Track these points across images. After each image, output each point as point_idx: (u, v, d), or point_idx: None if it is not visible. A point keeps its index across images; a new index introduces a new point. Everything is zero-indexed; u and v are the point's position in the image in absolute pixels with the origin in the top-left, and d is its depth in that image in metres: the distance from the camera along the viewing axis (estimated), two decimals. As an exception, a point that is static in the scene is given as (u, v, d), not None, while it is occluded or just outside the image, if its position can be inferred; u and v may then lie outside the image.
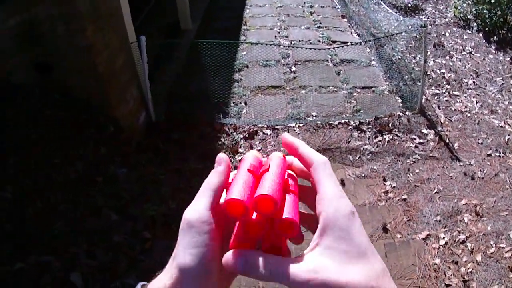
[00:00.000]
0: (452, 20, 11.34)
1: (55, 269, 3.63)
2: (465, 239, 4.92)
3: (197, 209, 0.65)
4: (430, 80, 8.28)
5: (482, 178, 5.85)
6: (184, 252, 0.63)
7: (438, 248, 4.79)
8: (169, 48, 8.32)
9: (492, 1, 10.31)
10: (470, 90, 8.05)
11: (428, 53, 9.18)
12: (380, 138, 6.59)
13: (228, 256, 0.63)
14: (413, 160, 6.16)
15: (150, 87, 6.42)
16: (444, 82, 8.25)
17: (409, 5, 12.40)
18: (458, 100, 7.70)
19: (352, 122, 6.88)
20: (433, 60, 9.09)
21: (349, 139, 6.56)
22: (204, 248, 0.63)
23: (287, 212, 0.63)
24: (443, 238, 4.90)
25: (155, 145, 6.11)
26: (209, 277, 0.63)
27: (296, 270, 0.58)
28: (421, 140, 6.58)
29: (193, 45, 8.68)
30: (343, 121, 6.90)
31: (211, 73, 7.37)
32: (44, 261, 3.64)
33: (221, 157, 0.73)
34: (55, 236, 3.91)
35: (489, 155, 6.33)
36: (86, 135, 5.13)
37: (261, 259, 0.61)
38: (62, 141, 4.82)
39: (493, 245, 4.85)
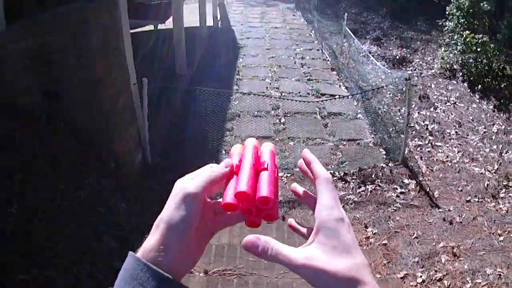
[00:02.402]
0: (438, 71, 12.12)
1: (58, 285, 3.96)
2: (442, 277, 5.34)
3: (197, 186, 0.83)
4: (414, 132, 8.94)
5: (460, 222, 6.34)
6: (176, 212, 0.80)
7: (416, 285, 5.23)
8: (165, 91, 8.79)
9: (479, 50, 11.01)
10: (452, 140, 8.72)
11: (413, 105, 9.89)
12: (363, 188, 7.14)
13: (250, 239, 0.78)
14: (394, 208, 6.69)
15: (147, 129, 6.86)
16: (427, 134, 8.93)
17: (397, 57, 13.17)
18: (440, 151, 8.35)
19: (337, 173, 7.44)
20: (418, 112, 9.79)
21: (334, 189, 7.02)
22: (193, 213, 0.80)
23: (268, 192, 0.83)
24: (420, 276, 5.35)
25: (151, 185, 6.52)
26: (190, 234, 0.81)
27: (294, 256, 0.75)
28: (403, 190, 7.14)
29: (189, 91, 9.36)
30: (328, 172, 7.33)
31: (205, 119, 7.98)
32: (47, 276, 3.95)
33: (229, 162, 0.92)
34: (59, 254, 4.22)
35: (468, 201, 6.88)
36: (89, 166, 5.49)
37: (272, 245, 0.77)
38: (67, 168, 5.16)
39: (469, 281, 5.26)
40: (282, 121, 9.18)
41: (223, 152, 7.94)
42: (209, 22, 15.79)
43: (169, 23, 12.54)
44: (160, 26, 13.90)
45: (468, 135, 8.93)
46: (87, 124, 5.65)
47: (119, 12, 6.07)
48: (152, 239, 0.80)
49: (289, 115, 9.42)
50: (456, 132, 9.04)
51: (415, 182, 7.37)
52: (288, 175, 7.43)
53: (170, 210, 0.82)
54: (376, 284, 0.75)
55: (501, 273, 5.41)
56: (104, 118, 5.79)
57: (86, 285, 4.18)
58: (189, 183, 0.85)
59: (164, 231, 0.80)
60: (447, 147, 8.52)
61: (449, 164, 7.94)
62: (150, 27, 13.87)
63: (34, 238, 4.22)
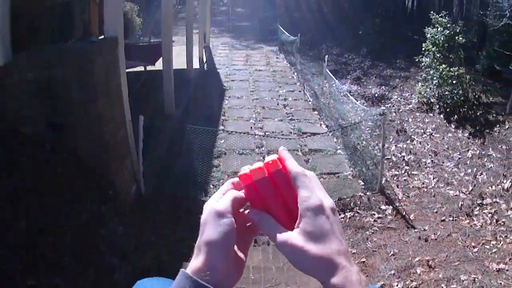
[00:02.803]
0: (416, 106, 12.68)
1: None
2: (418, 286, 5.67)
3: (226, 203, 0.88)
4: (391, 163, 9.45)
5: (435, 239, 6.70)
6: (213, 231, 0.85)
7: None
8: (155, 130, 9.20)
9: (454, 82, 11.59)
10: (428, 168, 9.22)
11: (391, 139, 10.47)
12: (342, 215, 7.52)
13: (253, 212, 0.91)
14: (372, 231, 7.08)
15: (142, 163, 7.28)
16: (404, 164, 9.43)
17: (376, 95, 13.72)
18: (416, 179, 8.85)
19: (317, 203, 7.77)
20: (395, 145, 10.34)
21: (315, 219, 7.39)
22: (228, 228, 0.86)
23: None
24: (397, 285, 5.68)
25: (145, 214, 6.89)
26: (231, 249, 0.87)
27: (280, 235, 0.86)
28: (380, 215, 7.56)
29: (178, 129, 9.89)
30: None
31: (194, 155, 8.48)
32: (54, 284, 4.26)
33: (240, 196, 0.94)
34: (64, 266, 4.53)
35: (443, 220, 7.30)
36: (90, 192, 5.83)
37: (266, 220, 0.90)
38: (69, 193, 5.50)
39: (445, 287, 5.60)
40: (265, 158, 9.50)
41: (211, 186, 8.36)
42: (196, 64, 16.28)
43: (158, 64, 13.00)
44: (150, 68, 14.24)
45: (443, 163, 9.43)
46: (88, 154, 6.01)
47: (118, 52, 6.47)
48: (196, 262, 0.85)
49: (272, 152, 9.35)
50: (432, 160, 9.54)
51: (391, 207, 7.81)
52: None
53: (208, 231, 0.86)
54: (353, 269, 0.81)
55: (476, 278, 5.71)
56: (104, 150, 6.17)
57: None
58: (217, 203, 0.89)
59: (207, 252, 0.85)
60: (423, 174, 9.00)
61: (425, 189, 8.42)
62: (140, 68, 14.19)
63: (42, 251, 4.51)
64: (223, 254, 0.85)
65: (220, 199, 0.90)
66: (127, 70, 7.96)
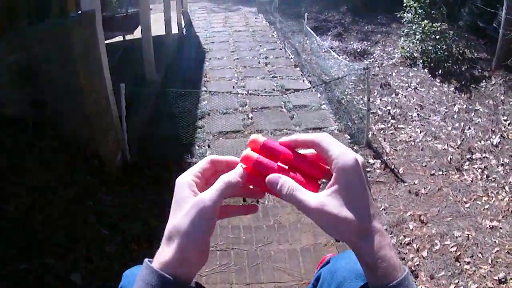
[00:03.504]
0: (399, 60, 12.36)
1: (57, 270, 4.06)
2: (411, 241, 5.55)
3: (214, 200, 0.84)
4: (377, 117, 9.19)
5: (426, 193, 6.58)
6: (192, 225, 0.82)
7: None
8: (137, 96, 8.93)
9: (438, 37, 11.42)
10: (414, 122, 8.98)
11: (375, 93, 10.17)
12: None
13: (272, 176, 0.87)
14: None
15: (126, 131, 7.06)
16: (390, 118, 9.18)
17: (358, 50, 13.44)
18: (403, 132, 8.62)
19: (304, 159, 7.52)
20: (380, 99, 10.05)
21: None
22: (210, 225, 0.84)
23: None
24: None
25: (132, 181, 6.68)
26: (206, 245, 0.84)
27: (309, 199, 0.82)
28: (368, 169, 7.28)
29: (160, 94, 9.70)
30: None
31: (177, 119, 8.23)
32: (47, 263, 4.06)
33: (242, 173, 0.91)
34: (56, 244, 4.34)
35: (433, 174, 7.12)
36: (76, 165, 5.67)
37: (289, 184, 0.85)
38: (56, 168, 5.32)
39: (438, 244, 5.47)
40: (250, 116, 9.35)
41: (196, 147, 8.11)
42: (175, 29, 15.86)
43: (137, 33, 12.78)
44: (128, 37, 14.08)
45: (430, 116, 9.20)
46: (72, 129, 5.83)
47: (96, 26, 6.27)
48: (167, 253, 0.82)
49: (256, 110, 9.59)
50: (418, 114, 9.29)
51: (380, 161, 7.58)
52: None
53: (186, 222, 0.83)
54: (384, 231, 0.82)
55: (469, 235, 5.64)
56: (87, 123, 5.97)
57: (84, 268, 4.31)
58: (206, 195, 0.85)
59: (180, 244, 0.82)
60: (409, 128, 8.77)
61: (412, 143, 8.20)
62: (119, 38, 14.05)
63: (32, 232, 4.33)
64: (198, 247, 0.83)
65: (209, 191, 0.86)
66: (107, 42, 7.75)
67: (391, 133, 8.60)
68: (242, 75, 12.22)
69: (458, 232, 5.69)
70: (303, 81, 11.64)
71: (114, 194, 5.99)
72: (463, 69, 11.18)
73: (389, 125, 8.93)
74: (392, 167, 7.44)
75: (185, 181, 0.89)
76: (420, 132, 8.56)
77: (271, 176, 0.87)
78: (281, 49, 14.63)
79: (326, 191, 0.83)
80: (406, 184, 6.91)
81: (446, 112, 9.34)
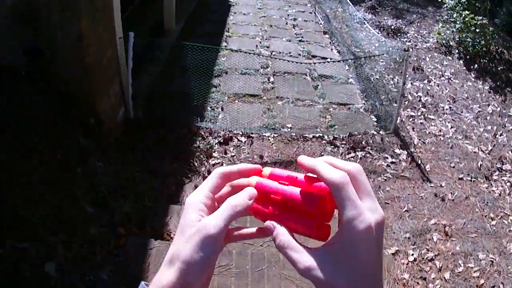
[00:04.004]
0: (433, 46, 11.62)
1: (32, 258, 3.70)
2: (434, 257, 5.05)
3: (220, 226, 0.77)
4: (406, 102, 8.47)
5: (453, 200, 6.02)
6: (195, 252, 0.75)
7: (407, 264, 4.91)
8: (151, 47, 8.34)
9: (477, 30, 10.68)
10: (445, 115, 8.27)
11: (407, 76, 9.37)
12: (353, 154, 6.72)
13: (267, 224, 0.80)
14: (385, 178, 6.29)
15: (131, 84, 6.43)
16: (420, 105, 8.46)
17: (392, 27, 12.67)
18: (432, 124, 7.91)
19: (326, 137, 6.98)
20: (411, 83, 9.30)
21: (322, 153, 6.64)
22: (215, 253, 0.76)
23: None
24: (412, 254, 5.02)
25: (133, 142, 6.14)
26: (209, 271, 0.79)
27: (298, 259, 0.74)
28: (393, 160, 6.73)
29: (176, 46, 8.84)
30: (317, 135, 7.02)
31: (191, 75, 7.47)
32: (21, 248, 3.71)
33: (254, 194, 0.83)
34: (33, 225, 3.96)
35: (461, 178, 6.51)
36: (69, 125, 5.17)
37: (283, 238, 0.77)
38: (45, 128, 4.87)
39: (462, 265, 5.00)
40: (271, 80, 8.64)
41: (209, 109, 7.45)
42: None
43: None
44: None
45: (462, 112, 8.49)
46: (69, 80, 5.33)
47: None
48: (169, 276, 0.76)
49: (278, 74, 8.89)
50: (450, 107, 8.57)
51: (406, 153, 6.94)
52: (275, 135, 6.96)
53: (189, 249, 0.76)
54: None
55: (493, 260, 5.19)
56: (86, 75, 5.41)
57: (61, 256, 3.89)
58: (210, 221, 0.78)
59: (182, 271, 0.75)
60: (440, 121, 8.06)
61: (442, 138, 7.51)
62: None
63: (9, 207, 3.93)
64: (200, 276, 0.77)
65: (214, 216, 0.79)
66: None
67: (420, 123, 7.90)
68: (267, 34, 11.43)
69: (483, 254, 5.22)
70: (332, 49, 10.89)
71: (108, 160, 5.47)
72: (499, 69, 10.52)
73: (419, 113, 8.22)
74: (419, 162, 6.80)
75: (194, 203, 0.82)
76: (451, 128, 7.87)
77: (267, 224, 0.80)
78: (311, 13, 13.84)
79: (323, 249, 0.74)
80: (432, 185, 6.30)
81: (479, 111, 8.63)
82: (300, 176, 0.82)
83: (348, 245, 0.71)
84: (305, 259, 0.74)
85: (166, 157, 6.02)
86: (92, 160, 5.14)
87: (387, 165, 6.60)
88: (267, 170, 0.87)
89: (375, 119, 7.73)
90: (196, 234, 0.77)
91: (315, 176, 0.78)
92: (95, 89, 5.59)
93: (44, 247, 3.83)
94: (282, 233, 0.78)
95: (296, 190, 0.80)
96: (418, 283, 4.71)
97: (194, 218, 0.80)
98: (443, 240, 5.34)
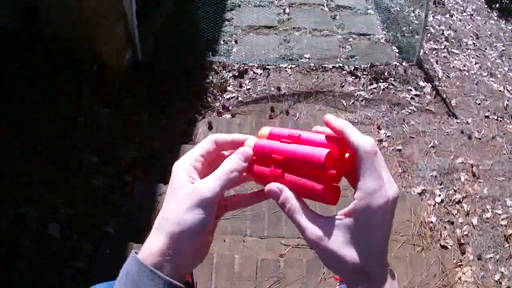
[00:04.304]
0: (453, -20, 11.07)
1: (34, 222, 3.62)
2: (461, 199, 4.76)
3: (215, 191, 0.73)
4: (429, 35, 8.00)
5: (479, 139, 5.68)
6: (188, 215, 0.71)
7: (434, 205, 4.62)
8: None
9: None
10: (469, 51, 7.81)
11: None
12: (375, 85, 6.35)
13: (272, 188, 0.75)
14: (409, 111, 5.96)
15: (137, 25, 6.00)
16: (443, 39, 8.00)
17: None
18: (456, 58, 7.47)
19: (346, 67, 6.62)
20: (433, 16, 8.78)
21: (343, 84, 6.31)
22: (207, 219, 0.72)
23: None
24: (439, 195, 4.73)
25: (140, 83, 5.83)
26: (203, 241, 0.76)
27: (309, 227, 0.71)
28: (418, 92, 6.37)
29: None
30: (337, 65, 6.65)
31: (202, 11, 7.12)
32: (22, 214, 3.64)
33: (249, 154, 0.79)
34: (35, 187, 3.87)
35: (487, 117, 6.15)
36: (69, 74, 4.91)
37: (291, 203, 0.73)
38: (45, 82, 4.71)
39: (489, 210, 4.69)
40: (286, 11, 8.18)
41: (221, 42, 7.07)
42: None
43: None
44: None
45: (486, 49, 7.99)
46: (67, 30, 5.03)
47: None
48: (157, 241, 0.72)
49: (294, 5, 8.40)
50: (474, 43, 8.08)
51: (430, 86, 6.56)
52: (293, 66, 6.59)
53: (181, 212, 0.72)
54: (385, 274, 0.71)
55: None
56: (86, 20, 5.07)
57: (63, 215, 3.78)
58: (204, 184, 0.74)
59: (172, 236, 0.71)
60: (464, 55, 7.60)
61: (466, 74, 7.08)
62: None
63: (8, 173, 3.91)
64: (192, 241, 0.73)
65: (208, 179, 0.75)
66: None
67: (444, 56, 7.47)
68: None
69: (510, 201, 4.86)
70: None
71: (114, 105, 5.22)
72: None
73: (442, 46, 7.76)
74: (444, 96, 6.41)
75: (183, 166, 0.78)
76: (475, 64, 7.42)
77: (271, 187, 0.76)
78: None
79: (336, 220, 0.71)
80: (458, 121, 5.94)
81: (503, 50, 8.13)
82: (304, 133, 0.77)
83: (363, 218, 0.69)
84: (315, 227, 0.72)
85: (177, 94, 5.74)
86: (95, 107, 4.95)
87: (411, 98, 6.25)
88: (265, 130, 0.82)
89: (397, 50, 7.32)
90: (188, 196, 0.73)
91: (337, 136, 0.75)
92: (96, 34, 5.23)
93: (46, 209, 3.76)
94: (291, 197, 0.74)
95: (300, 149, 0.74)
96: (445, 227, 4.43)
97: (185, 180, 0.75)
98: (470, 181, 5.02)
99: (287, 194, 0.74)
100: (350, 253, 0.68)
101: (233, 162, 0.77)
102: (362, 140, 0.70)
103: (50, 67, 4.86)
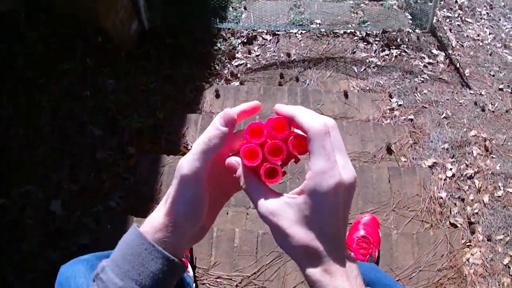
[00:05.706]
0: None
1: (37, 199, 3.50)
2: (473, 175, 4.47)
3: (192, 166, 0.72)
4: (442, 2, 7.62)
5: (493, 111, 5.35)
6: (177, 193, 0.72)
7: (445, 179, 4.34)
8: None
9: None
10: (483, 20, 7.42)
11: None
12: (387, 52, 6.01)
13: (231, 161, 0.75)
14: (422, 79, 5.63)
15: None
16: (457, 7, 7.60)
17: None
18: (470, 27, 7.10)
19: (358, 33, 6.28)
20: (446, -17, 8.40)
21: (355, 50, 5.98)
22: (193, 195, 0.72)
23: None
24: (450, 169, 4.44)
25: (147, 52, 5.56)
26: (197, 213, 0.75)
27: (262, 203, 0.71)
28: (431, 60, 6.03)
29: None
30: (348, 31, 6.30)
31: None
32: (26, 192, 3.54)
33: (230, 115, 0.74)
34: (39, 163, 3.77)
35: (501, 89, 5.81)
36: (72, 49, 4.72)
37: (250, 179, 0.73)
38: (46, 60, 4.52)
39: (501, 188, 4.40)
40: (295, -23, 7.74)
41: (230, 9, 6.74)
42: None
43: None
44: None
45: (500, 20, 7.56)
46: (69, 5, 4.83)
47: None
48: (158, 217, 0.75)
49: None
50: (488, 13, 7.66)
51: (444, 54, 6.21)
52: (303, 32, 6.28)
53: (172, 189, 0.74)
54: (339, 258, 0.68)
55: None
56: None
57: (66, 191, 3.64)
58: (184, 162, 0.74)
59: (169, 211, 0.74)
60: (477, 25, 7.22)
61: (480, 44, 6.71)
62: None
63: (12, 150, 3.83)
64: (188, 217, 0.74)
65: (190, 153, 0.74)
66: None
67: (458, 25, 7.10)
68: None
69: None
70: None
71: (119, 76, 4.97)
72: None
73: (456, 15, 7.37)
74: (457, 65, 6.06)
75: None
76: (489, 34, 7.03)
77: (230, 161, 0.76)
78: None
79: (288, 198, 0.70)
80: (472, 92, 5.61)
81: (517, 22, 7.75)
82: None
83: (313, 198, 0.67)
84: (268, 203, 0.70)
85: (184, 62, 5.48)
86: (100, 79, 4.74)
87: (424, 66, 5.92)
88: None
89: (410, 17, 6.95)
90: (176, 173, 0.74)
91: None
92: (99, 6, 4.93)
93: (49, 185, 3.64)
94: (244, 173, 0.73)
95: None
96: (455, 204, 4.14)
97: (191, 157, 0.73)
98: (483, 155, 4.74)
99: (242, 170, 0.73)
100: (300, 232, 0.67)
101: (211, 128, 0.74)
102: (312, 121, 0.69)
103: (54, 42, 4.68)
